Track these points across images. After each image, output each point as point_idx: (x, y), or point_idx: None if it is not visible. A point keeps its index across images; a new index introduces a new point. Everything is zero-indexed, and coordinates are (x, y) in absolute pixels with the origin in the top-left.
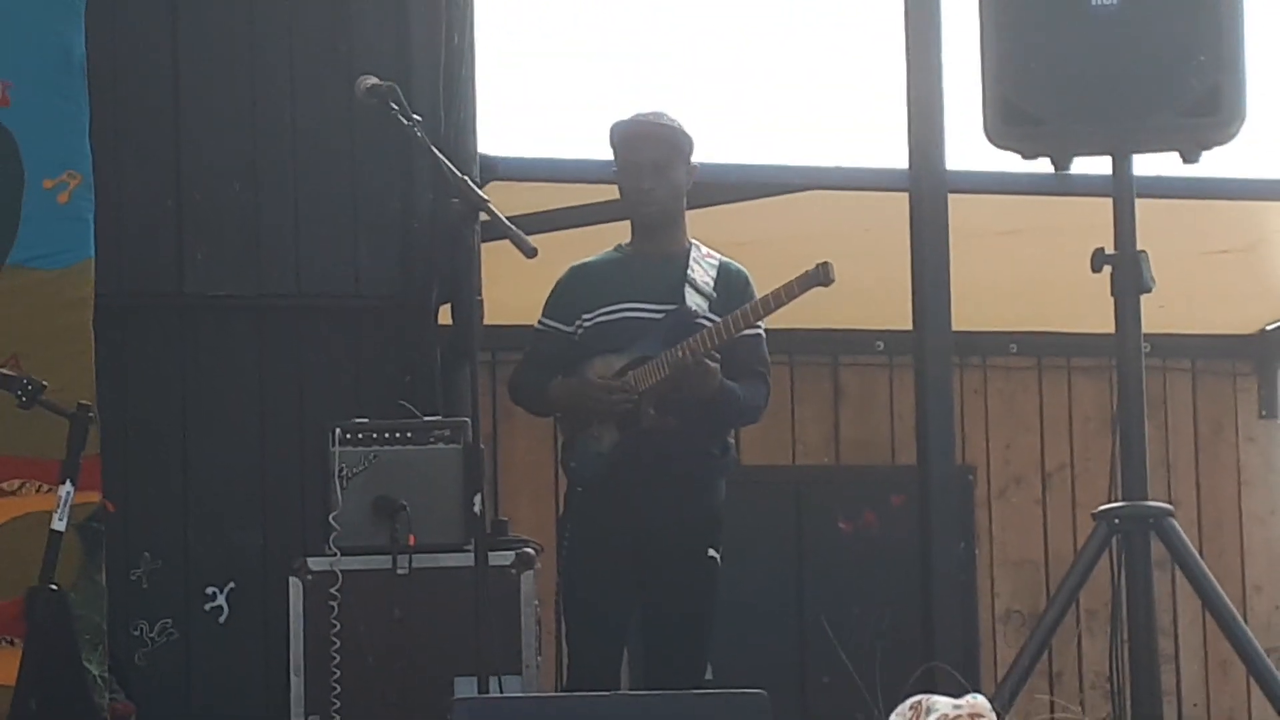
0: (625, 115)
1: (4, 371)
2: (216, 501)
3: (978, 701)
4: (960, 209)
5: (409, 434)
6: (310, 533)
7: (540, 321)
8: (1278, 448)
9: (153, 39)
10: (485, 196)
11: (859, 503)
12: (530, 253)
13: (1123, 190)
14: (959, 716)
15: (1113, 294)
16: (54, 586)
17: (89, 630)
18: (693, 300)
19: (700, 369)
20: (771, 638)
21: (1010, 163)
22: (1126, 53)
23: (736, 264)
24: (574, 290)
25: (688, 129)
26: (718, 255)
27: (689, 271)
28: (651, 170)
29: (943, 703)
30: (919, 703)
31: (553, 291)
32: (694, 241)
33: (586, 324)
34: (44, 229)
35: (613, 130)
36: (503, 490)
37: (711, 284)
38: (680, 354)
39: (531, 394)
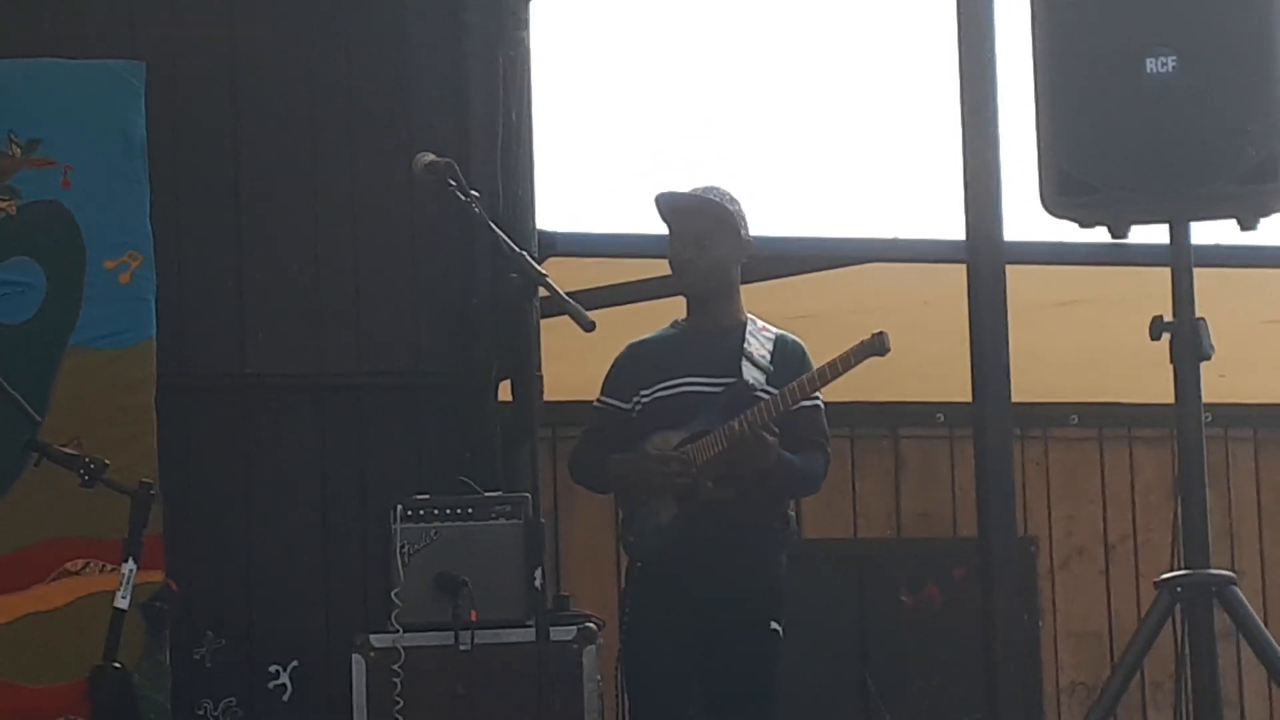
0: (671, 188)
1: (67, 451)
2: (279, 579)
3: None
4: (1019, 280)
5: (470, 510)
6: (373, 609)
7: (598, 400)
8: None
9: (213, 120)
10: (543, 271)
11: (921, 575)
12: (589, 326)
13: (1181, 258)
14: None
15: (1172, 361)
16: (117, 665)
17: (153, 710)
18: (750, 374)
19: (758, 442)
20: (835, 712)
21: (1068, 232)
22: (1182, 120)
23: (793, 336)
24: (631, 368)
25: (738, 203)
26: (774, 329)
27: (745, 345)
28: (693, 242)
29: None
30: None
31: (610, 370)
32: (750, 315)
33: (644, 400)
34: (106, 309)
35: (658, 201)
36: (564, 566)
37: (768, 357)
38: (738, 427)
39: (590, 472)
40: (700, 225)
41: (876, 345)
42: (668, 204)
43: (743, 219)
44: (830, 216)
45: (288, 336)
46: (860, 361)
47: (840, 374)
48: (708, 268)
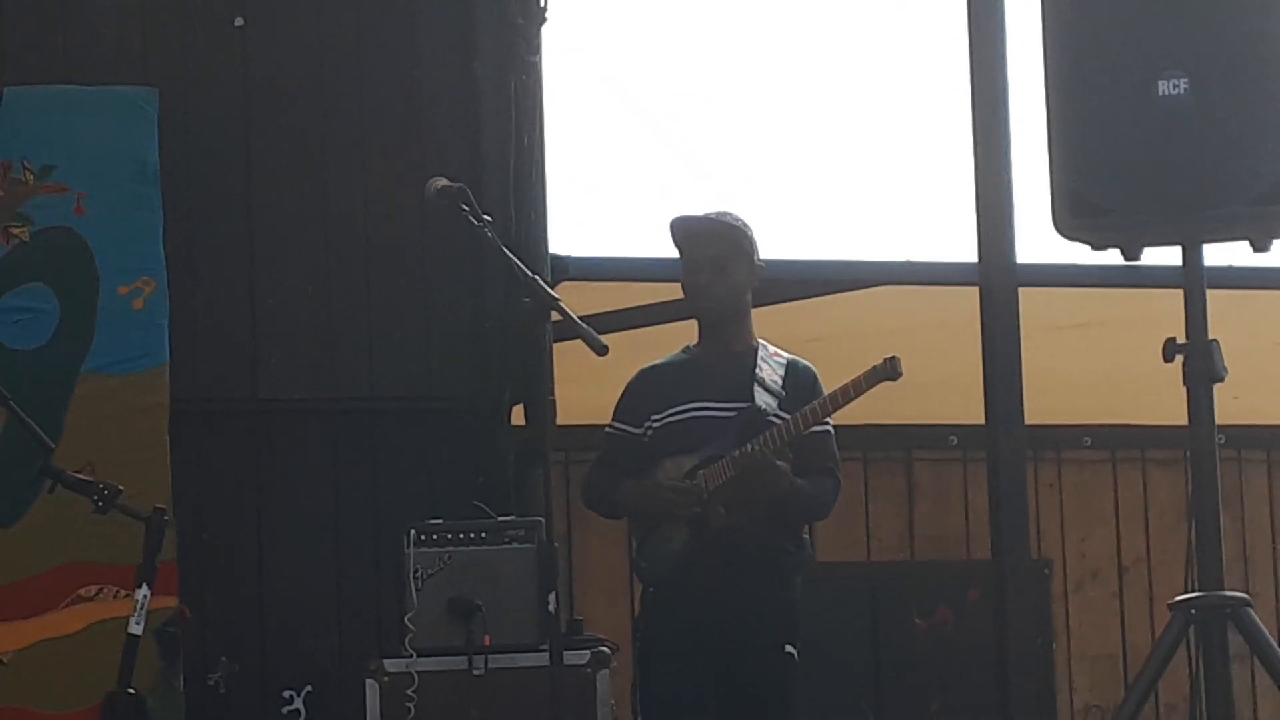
0: (685, 213)
1: (80, 477)
2: (292, 605)
3: None
4: (1031, 302)
5: (483, 534)
6: (386, 634)
7: (610, 425)
8: None
9: (225, 146)
10: (556, 295)
11: (935, 598)
12: (601, 350)
13: (1193, 280)
14: None
15: (1185, 383)
16: (131, 691)
17: None
18: (761, 399)
19: (769, 470)
20: None
21: (1080, 255)
22: (1195, 142)
23: (804, 361)
24: (642, 393)
25: (751, 228)
26: (785, 354)
27: (757, 370)
28: (710, 266)
29: None
30: None
31: (622, 396)
32: (761, 340)
33: (656, 425)
34: (119, 335)
35: (672, 226)
36: (577, 591)
37: (780, 382)
38: (749, 452)
39: (603, 499)
40: (717, 249)
41: (888, 370)
42: (683, 228)
43: (755, 244)
44: (843, 239)
45: (300, 361)
46: (872, 387)
47: (852, 399)
48: (724, 292)
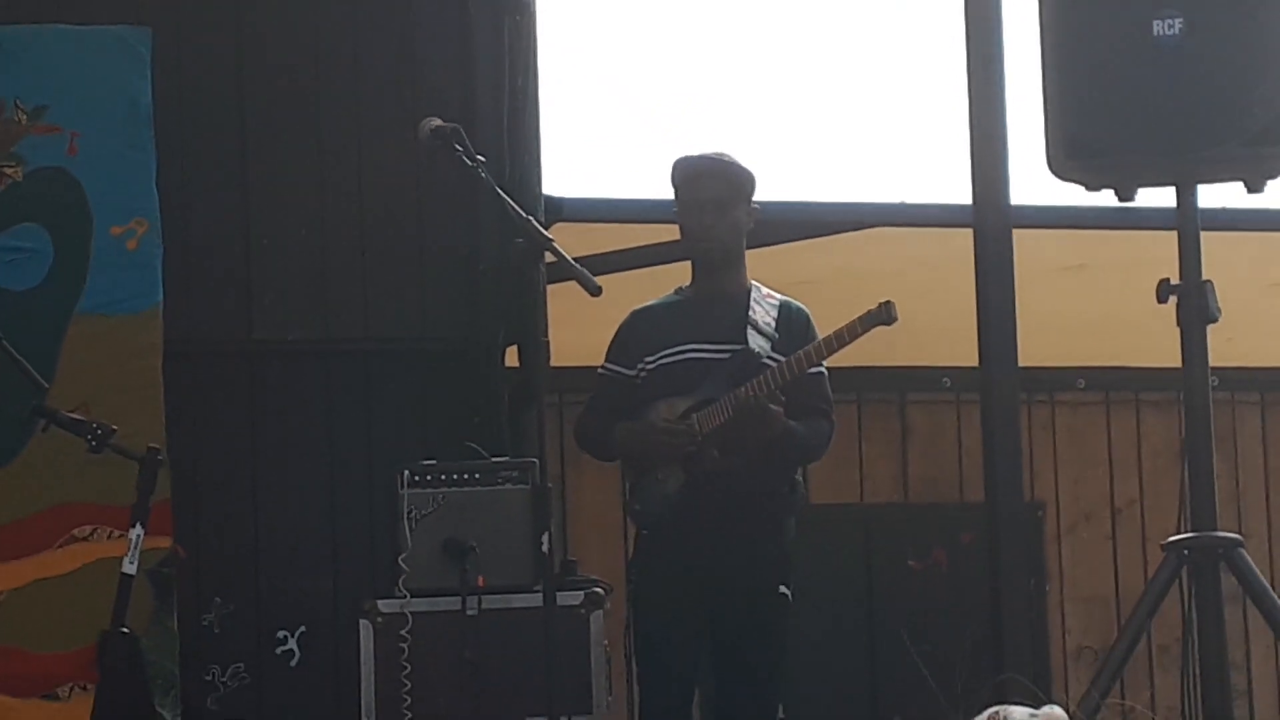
0: (687, 153)
1: (74, 416)
2: (286, 545)
3: (1054, 712)
4: (1025, 244)
5: (477, 475)
6: (380, 575)
7: (603, 367)
8: None
9: (218, 87)
10: (550, 236)
11: (928, 541)
12: (595, 291)
13: (1187, 220)
14: None
15: (1179, 324)
16: (125, 631)
17: (161, 676)
18: (755, 341)
19: (763, 412)
20: (842, 678)
21: (1075, 196)
22: (1190, 83)
23: (797, 303)
24: (635, 334)
25: (749, 169)
26: (778, 295)
27: (750, 312)
28: (713, 208)
29: (1019, 712)
30: (996, 713)
31: (614, 337)
32: (754, 283)
33: (649, 367)
34: (113, 276)
35: (674, 168)
36: (571, 533)
37: (773, 324)
38: (744, 395)
39: (596, 440)
40: (719, 190)
41: (883, 315)
42: (685, 169)
43: (754, 186)
44: (836, 181)
45: (294, 302)
46: (866, 331)
47: (847, 343)
48: (726, 233)
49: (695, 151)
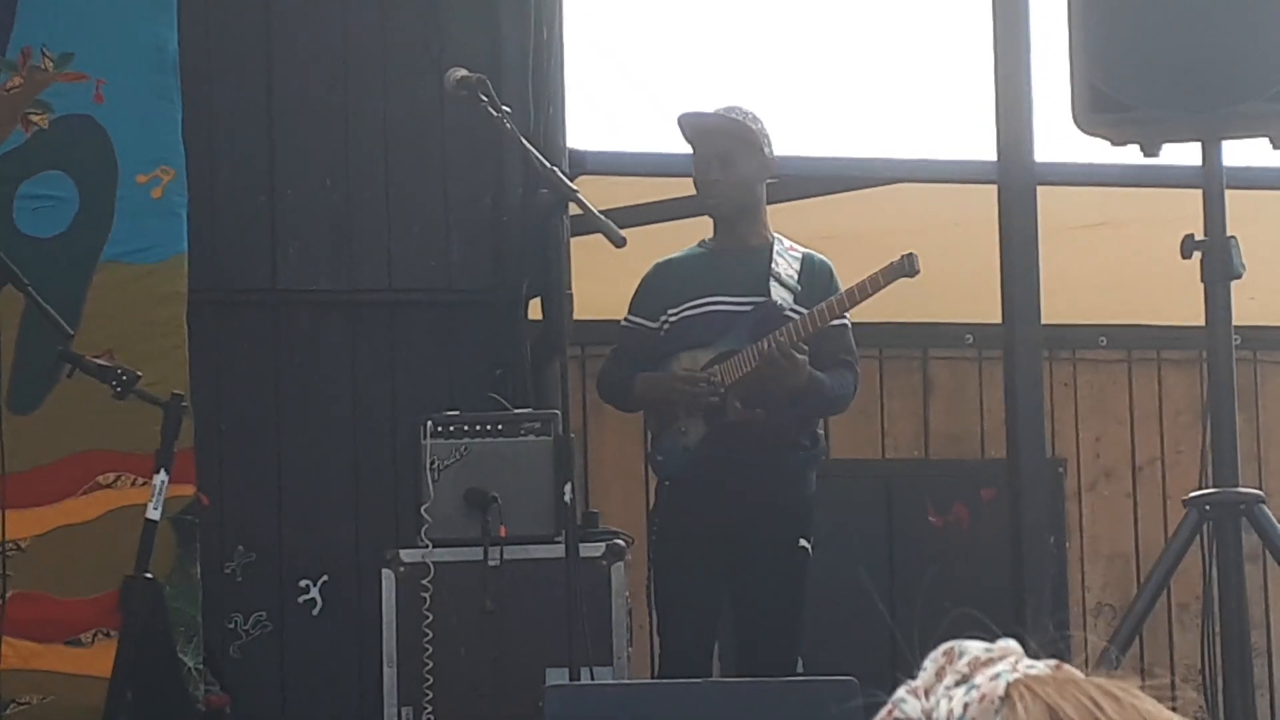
0: (693, 108)
1: (99, 362)
2: (310, 494)
3: (1010, 645)
4: (1050, 201)
5: (500, 426)
6: (403, 525)
7: (625, 319)
8: None
9: (245, 35)
10: (574, 187)
11: (949, 497)
12: (620, 242)
13: (1212, 177)
14: (989, 659)
15: (1203, 280)
16: (149, 577)
17: (184, 623)
18: (777, 293)
19: (788, 361)
20: (862, 632)
21: (1099, 152)
22: (1216, 38)
23: (820, 256)
24: (658, 286)
25: (761, 121)
26: (800, 248)
27: (773, 265)
28: (717, 162)
29: (974, 647)
30: (950, 649)
31: (637, 289)
32: (777, 235)
33: (672, 319)
34: (138, 224)
35: (680, 123)
36: (593, 485)
37: (796, 277)
38: (767, 347)
39: (618, 391)
40: (724, 145)
41: (906, 267)
42: (690, 124)
43: (766, 137)
44: (860, 136)
45: (319, 252)
46: (890, 283)
47: (869, 295)
48: (732, 187)
49: (706, 106)
